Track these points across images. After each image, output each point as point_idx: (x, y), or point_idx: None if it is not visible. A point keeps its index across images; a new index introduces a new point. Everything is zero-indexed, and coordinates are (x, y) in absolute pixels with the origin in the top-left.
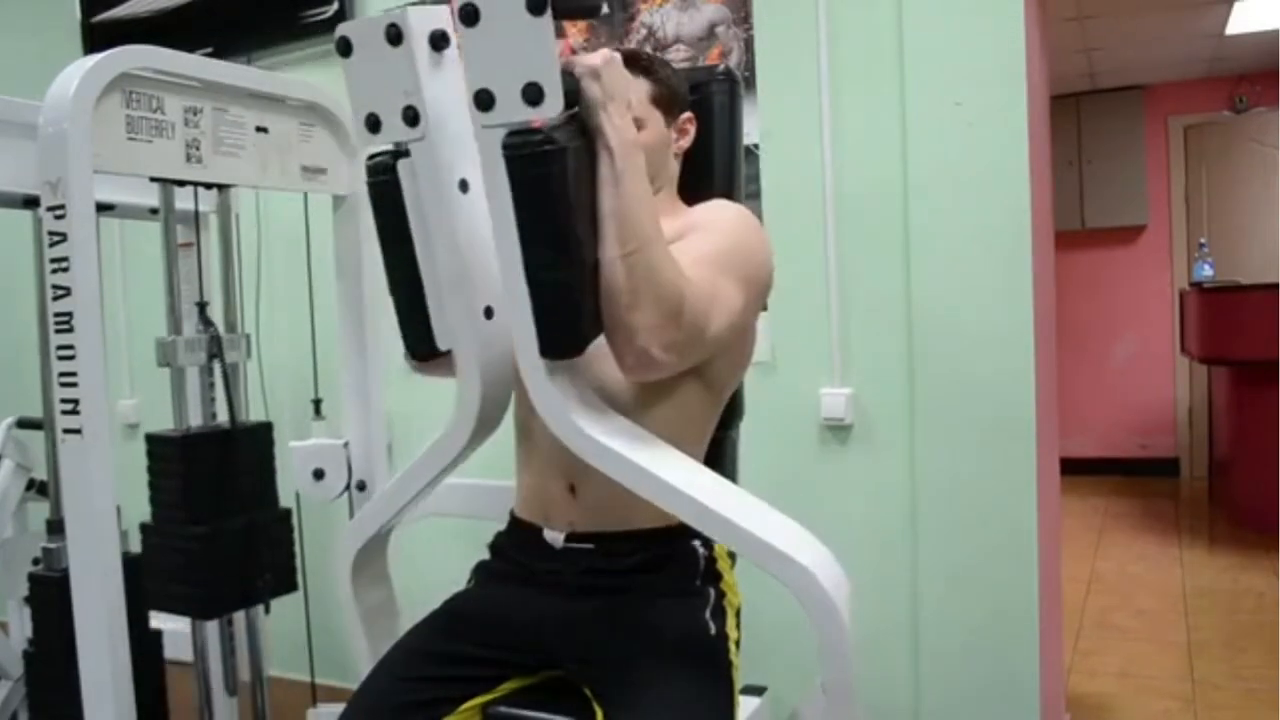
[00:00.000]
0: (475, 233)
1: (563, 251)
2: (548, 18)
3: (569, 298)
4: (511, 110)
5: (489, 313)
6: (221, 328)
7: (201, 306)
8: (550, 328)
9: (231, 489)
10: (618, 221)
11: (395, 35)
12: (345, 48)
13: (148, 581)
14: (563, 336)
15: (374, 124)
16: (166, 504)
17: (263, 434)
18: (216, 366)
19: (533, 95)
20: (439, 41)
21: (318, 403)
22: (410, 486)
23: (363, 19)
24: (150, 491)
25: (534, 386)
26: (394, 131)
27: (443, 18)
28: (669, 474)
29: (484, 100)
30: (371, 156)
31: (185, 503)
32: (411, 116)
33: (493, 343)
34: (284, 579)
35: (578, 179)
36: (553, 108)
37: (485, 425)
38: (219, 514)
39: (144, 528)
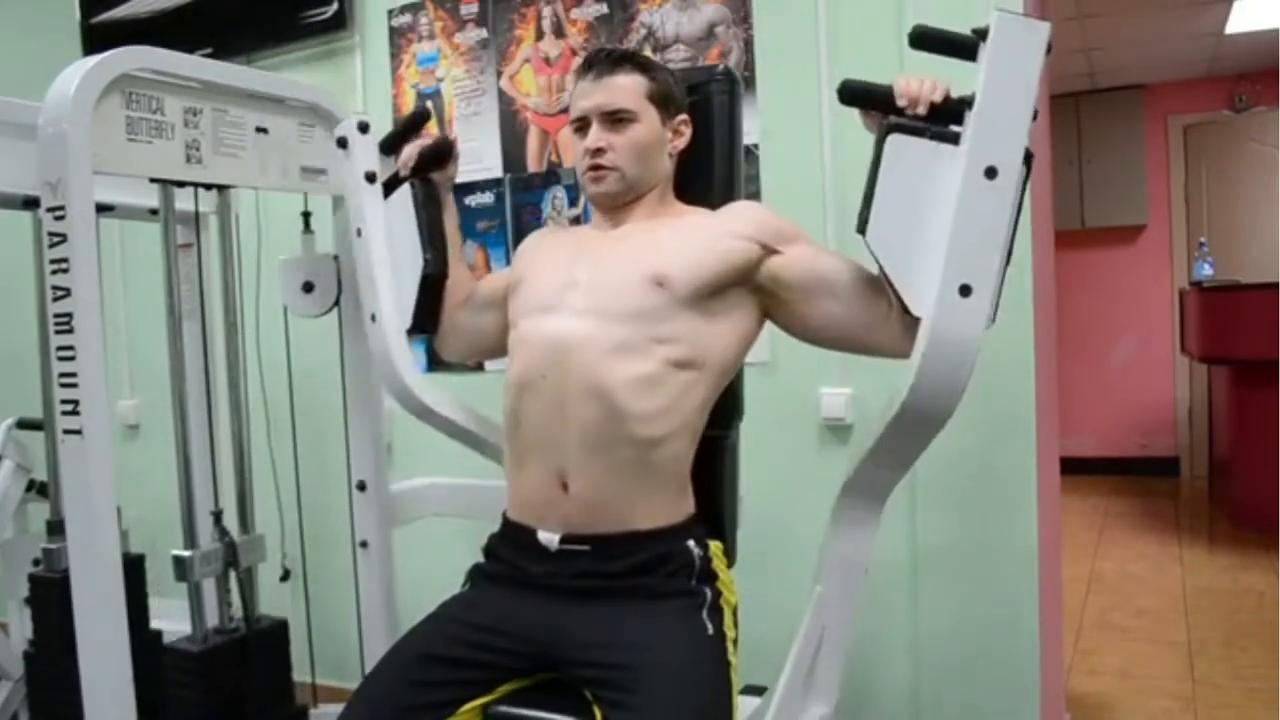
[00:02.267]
0: (361, 262)
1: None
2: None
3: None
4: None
5: (373, 318)
6: (222, 327)
7: (217, 516)
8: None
9: (248, 698)
10: None
11: (342, 141)
12: (341, 142)
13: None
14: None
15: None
16: (184, 714)
17: (278, 634)
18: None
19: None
20: (341, 143)
21: (306, 216)
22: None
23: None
24: (169, 699)
25: (972, 356)
26: None
27: (345, 127)
28: None
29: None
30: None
31: (203, 715)
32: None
33: (374, 341)
34: None
35: None
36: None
37: (401, 403)
38: None
39: None
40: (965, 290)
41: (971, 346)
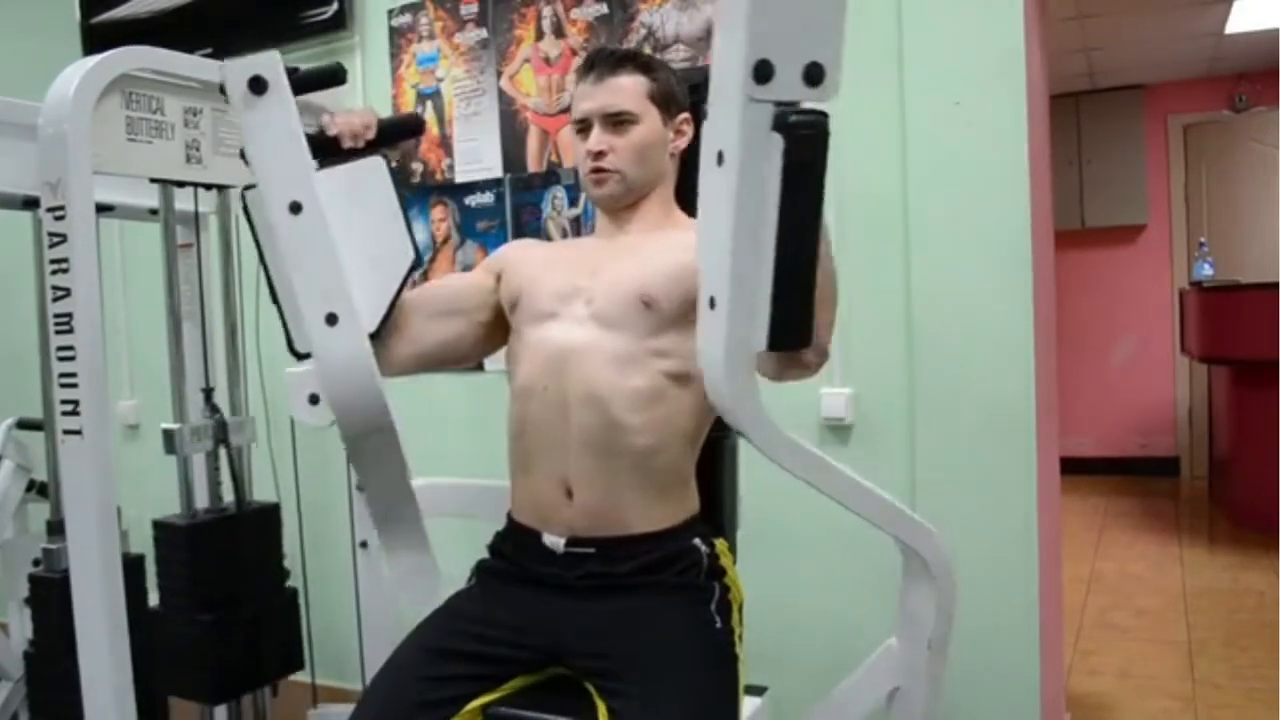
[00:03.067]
0: (311, 248)
1: (818, 238)
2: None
3: (814, 285)
4: (788, 88)
5: (331, 319)
6: (221, 328)
7: (208, 393)
8: (788, 318)
9: (239, 574)
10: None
11: (221, 87)
12: (222, 91)
13: (158, 666)
14: (799, 327)
15: (243, 157)
16: (174, 591)
17: (269, 515)
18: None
19: (815, 75)
20: (256, 86)
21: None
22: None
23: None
24: (158, 577)
25: (733, 380)
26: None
27: (261, 65)
28: (838, 465)
29: (762, 72)
30: (244, 186)
31: (192, 590)
32: (242, 155)
33: (335, 347)
34: (291, 659)
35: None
36: (831, 92)
37: (355, 425)
38: (227, 601)
39: (152, 613)
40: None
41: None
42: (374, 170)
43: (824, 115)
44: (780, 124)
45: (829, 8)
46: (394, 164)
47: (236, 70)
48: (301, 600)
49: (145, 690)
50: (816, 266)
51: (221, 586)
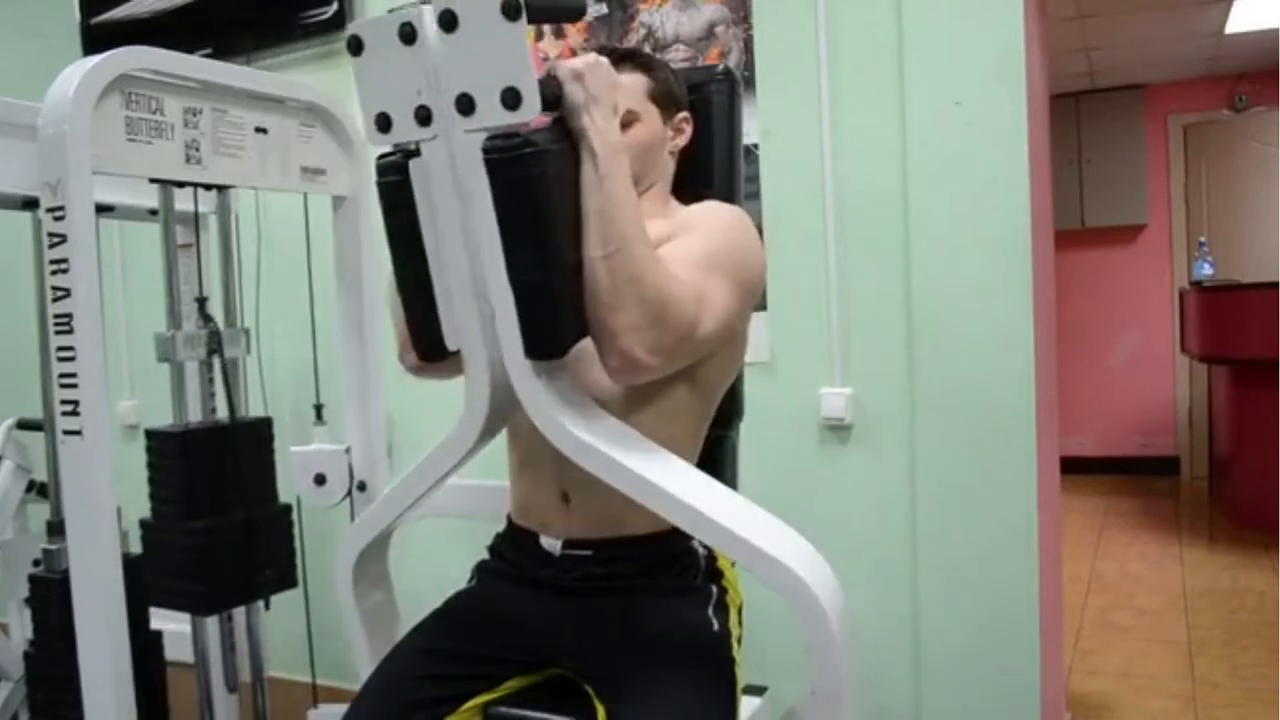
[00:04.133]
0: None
1: (544, 253)
2: (523, 23)
3: (550, 299)
4: (491, 115)
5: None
6: (222, 327)
7: (201, 302)
8: (533, 328)
9: (232, 484)
10: (600, 222)
11: (409, 34)
12: (356, 46)
13: (148, 578)
14: (545, 337)
15: (385, 123)
16: (166, 499)
17: (262, 429)
18: (216, 362)
19: (510, 100)
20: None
21: (319, 408)
22: (415, 489)
23: (375, 18)
24: (150, 487)
25: (521, 387)
26: (406, 131)
27: None
28: (659, 477)
29: (464, 105)
30: (381, 156)
31: (185, 498)
32: (424, 116)
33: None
34: (285, 574)
35: (559, 181)
36: (530, 111)
37: (492, 426)
38: (219, 509)
39: (144, 524)
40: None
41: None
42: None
43: (517, 137)
44: (482, 150)
45: (511, 37)
46: None
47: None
48: (301, 600)
49: (144, 682)
50: (555, 279)
51: (214, 495)
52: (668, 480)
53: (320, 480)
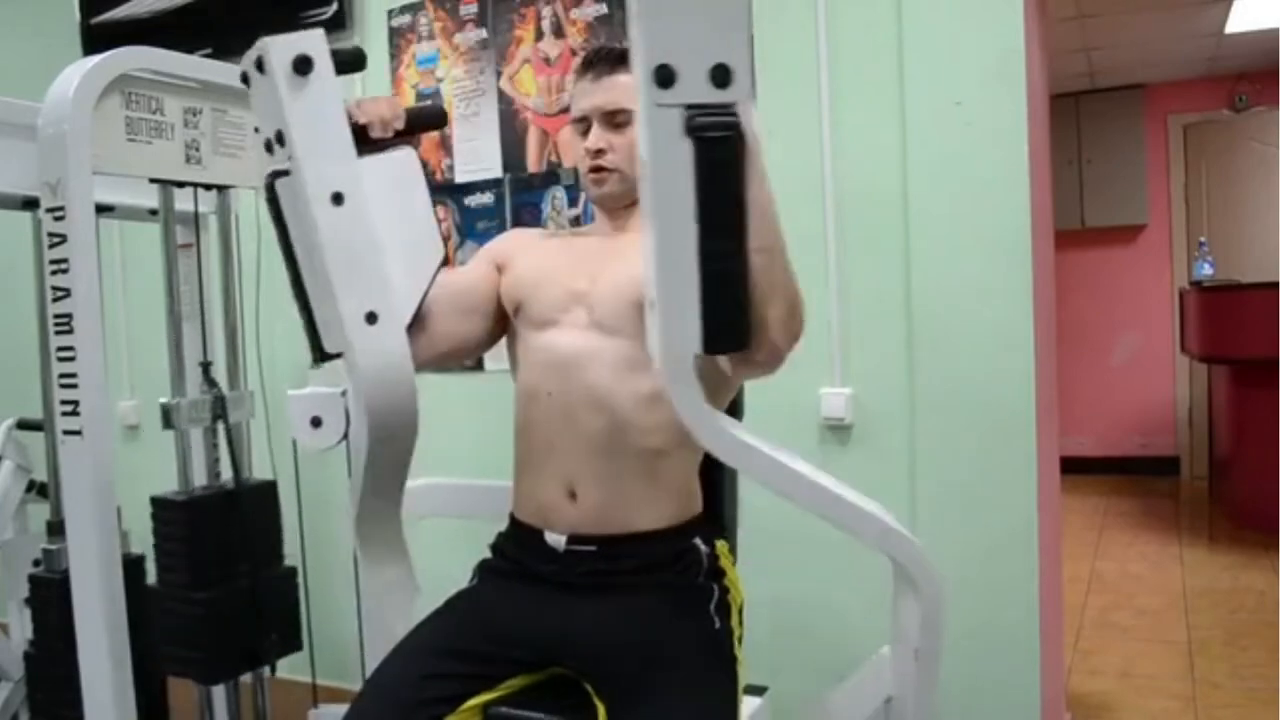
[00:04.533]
0: (353, 241)
1: (741, 240)
2: None
3: (743, 289)
4: (694, 90)
5: (371, 318)
6: (221, 328)
7: (205, 367)
8: (720, 320)
9: (236, 551)
10: (758, 215)
11: (260, 65)
12: (243, 78)
13: (156, 643)
14: (733, 329)
15: (268, 146)
16: (171, 568)
17: (267, 492)
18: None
19: (721, 77)
20: (301, 66)
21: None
22: (355, 497)
23: (250, 51)
24: (155, 553)
25: (677, 383)
26: (278, 154)
27: (307, 43)
28: (803, 469)
29: (664, 77)
30: (268, 174)
31: (190, 567)
32: (279, 139)
33: (375, 348)
34: (289, 639)
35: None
36: (742, 91)
37: (389, 428)
38: (224, 578)
39: (150, 590)
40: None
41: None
42: (406, 162)
43: (732, 114)
44: (688, 127)
45: (730, 8)
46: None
47: (279, 49)
48: (302, 600)
49: (144, 682)
50: (746, 266)
51: (219, 564)
52: (810, 473)
53: (317, 423)
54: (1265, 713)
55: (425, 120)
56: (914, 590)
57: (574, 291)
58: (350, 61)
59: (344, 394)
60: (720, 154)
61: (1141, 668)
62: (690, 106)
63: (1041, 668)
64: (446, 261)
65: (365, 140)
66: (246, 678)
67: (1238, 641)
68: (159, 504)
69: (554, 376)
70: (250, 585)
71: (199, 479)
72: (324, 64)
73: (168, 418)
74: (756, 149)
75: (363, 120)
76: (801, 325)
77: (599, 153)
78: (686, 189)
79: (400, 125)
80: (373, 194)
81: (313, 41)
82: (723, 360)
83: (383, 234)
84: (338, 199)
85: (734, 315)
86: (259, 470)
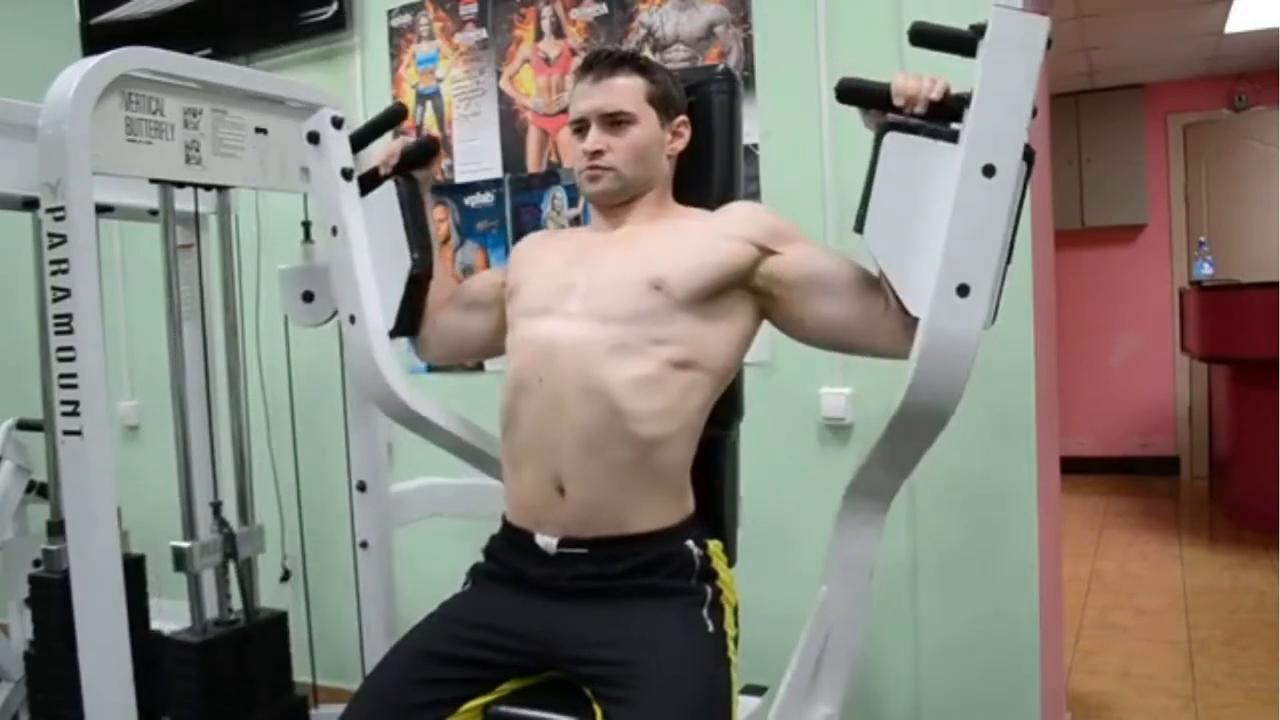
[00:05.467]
0: (342, 262)
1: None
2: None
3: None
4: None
5: (352, 319)
6: (221, 328)
7: (216, 507)
8: (1000, 297)
9: (247, 687)
10: None
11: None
12: (312, 137)
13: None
14: (998, 306)
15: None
16: (184, 704)
17: (277, 626)
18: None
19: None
20: (312, 139)
21: (307, 225)
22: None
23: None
24: (170, 691)
25: (967, 359)
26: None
27: (316, 121)
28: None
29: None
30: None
31: (203, 707)
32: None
33: (355, 342)
34: None
35: None
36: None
37: (374, 402)
38: (237, 714)
39: None
40: (963, 290)
41: (969, 346)
42: (386, 194)
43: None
44: (1025, 154)
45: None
46: (430, 177)
47: (306, 124)
48: (302, 600)
49: (145, 691)
50: None
51: (232, 702)
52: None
53: (308, 297)
54: (1265, 713)
55: (417, 154)
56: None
57: (568, 281)
58: (386, 121)
59: None
60: (1029, 173)
61: (1141, 667)
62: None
63: (1041, 667)
64: (419, 269)
65: (377, 179)
66: None
67: (1238, 641)
68: (173, 645)
69: (545, 363)
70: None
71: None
72: (328, 135)
73: (179, 562)
74: None
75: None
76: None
77: (597, 153)
78: (1014, 197)
79: (395, 162)
80: (373, 223)
81: (319, 120)
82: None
83: (380, 253)
84: (334, 231)
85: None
86: (259, 470)
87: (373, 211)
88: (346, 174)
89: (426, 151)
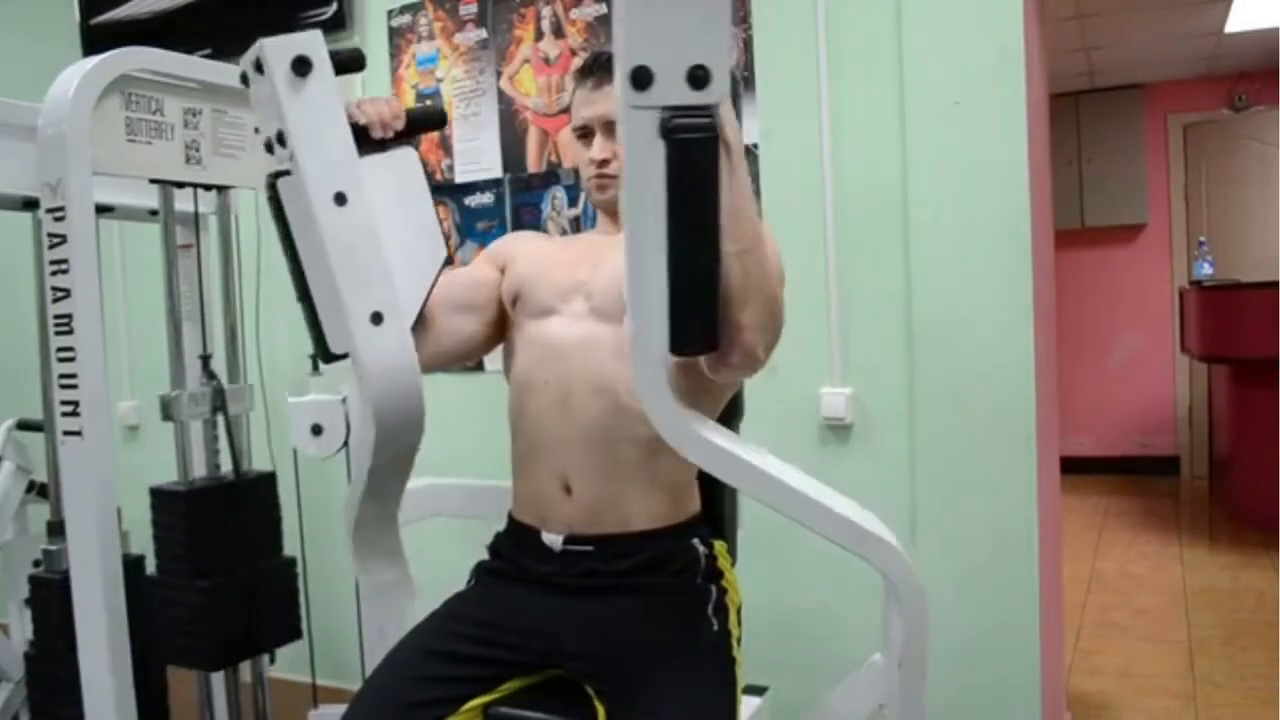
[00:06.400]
0: (356, 242)
1: (714, 241)
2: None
3: (714, 290)
4: (671, 92)
5: (376, 318)
6: (222, 330)
7: (205, 360)
8: (688, 321)
9: (236, 541)
10: (734, 217)
11: (258, 65)
12: (243, 78)
13: (155, 634)
14: (701, 330)
15: (269, 147)
16: (171, 556)
17: (266, 484)
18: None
19: (699, 79)
20: (300, 67)
21: (315, 358)
22: (354, 498)
23: (248, 52)
24: (155, 544)
25: (648, 385)
26: (279, 154)
27: (305, 44)
28: (775, 471)
29: (641, 78)
30: (269, 174)
31: (190, 555)
32: (280, 139)
33: (381, 348)
34: (289, 628)
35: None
36: (719, 93)
37: (395, 429)
38: (224, 567)
39: (149, 580)
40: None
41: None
42: (407, 162)
43: (709, 116)
44: (664, 130)
45: (710, 9)
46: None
47: (277, 50)
48: (302, 599)
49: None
50: (717, 268)
51: (218, 553)
52: (782, 474)
53: (317, 430)
54: (1265, 712)
55: (426, 121)
56: (897, 599)
57: (574, 281)
58: (349, 62)
59: (344, 401)
60: (695, 156)
61: (1141, 667)
62: (667, 108)
63: (1041, 667)
64: (450, 261)
65: (366, 141)
66: (246, 677)
67: (1238, 641)
68: (158, 495)
69: (552, 363)
70: (249, 575)
71: (198, 471)
72: (322, 64)
73: (167, 410)
74: (735, 151)
75: (363, 121)
76: (780, 329)
77: (605, 161)
78: (660, 190)
79: (400, 125)
80: (375, 195)
81: (311, 42)
82: (694, 361)
83: (385, 234)
84: (340, 199)
85: (702, 317)
86: (259, 468)
87: (366, 180)
88: (360, 127)
89: (436, 121)
